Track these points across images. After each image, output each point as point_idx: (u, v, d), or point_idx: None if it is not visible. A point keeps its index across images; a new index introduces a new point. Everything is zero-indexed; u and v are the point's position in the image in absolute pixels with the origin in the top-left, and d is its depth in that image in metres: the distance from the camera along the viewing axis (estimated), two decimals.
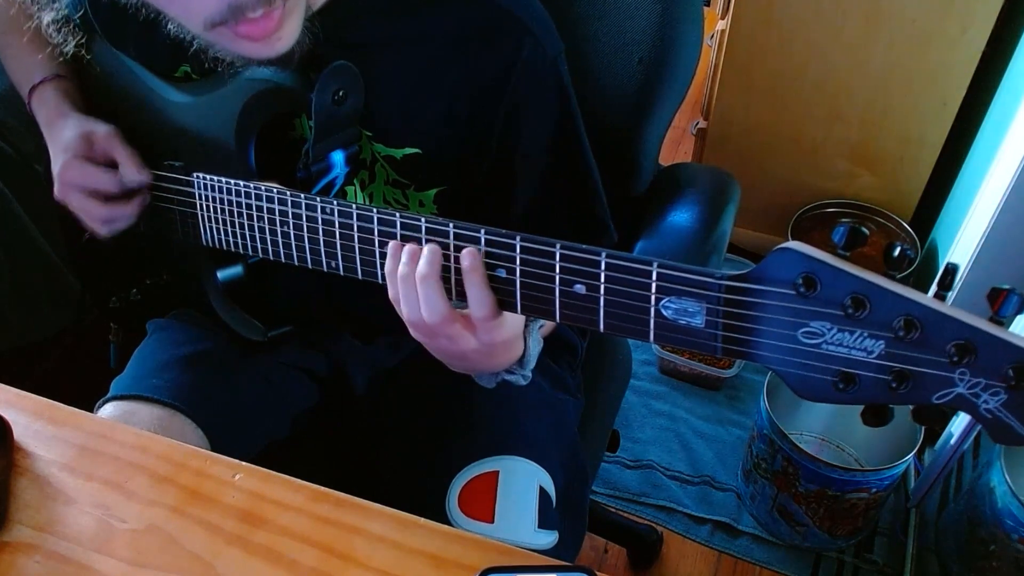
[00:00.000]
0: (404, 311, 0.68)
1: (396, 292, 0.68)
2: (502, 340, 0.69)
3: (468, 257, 0.63)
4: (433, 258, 0.65)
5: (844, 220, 2.03)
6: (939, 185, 1.95)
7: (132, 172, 0.88)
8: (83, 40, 0.88)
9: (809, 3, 1.77)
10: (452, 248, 0.65)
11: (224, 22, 0.68)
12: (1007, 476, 1.33)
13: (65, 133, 0.90)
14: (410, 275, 0.66)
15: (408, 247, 0.66)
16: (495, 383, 0.78)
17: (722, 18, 2.05)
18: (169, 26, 0.74)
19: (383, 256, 0.70)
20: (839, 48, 1.81)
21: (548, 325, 0.81)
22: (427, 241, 0.66)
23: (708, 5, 2.63)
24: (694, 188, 1.07)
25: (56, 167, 0.89)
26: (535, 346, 0.76)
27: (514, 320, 0.69)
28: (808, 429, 1.70)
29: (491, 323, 0.66)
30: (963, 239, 1.64)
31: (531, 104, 0.82)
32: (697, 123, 2.22)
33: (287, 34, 0.72)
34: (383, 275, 0.71)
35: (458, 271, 0.65)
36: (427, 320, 0.67)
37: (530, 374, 0.77)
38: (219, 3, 0.66)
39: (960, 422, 1.44)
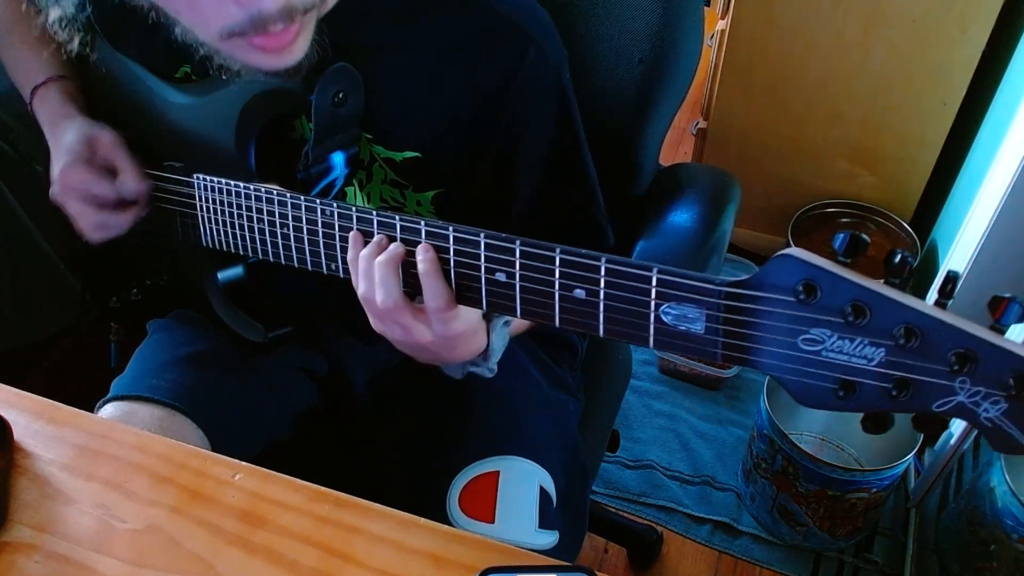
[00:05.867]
0: (360, 288, 0.70)
1: (356, 274, 0.70)
2: (458, 333, 0.70)
3: (423, 252, 0.65)
4: (395, 250, 0.67)
5: (844, 220, 2.03)
6: (939, 185, 1.95)
7: (131, 182, 0.88)
8: (88, 39, 0.88)
9: (809, 3, 1.77)
10: (452, 249, 0.65)
11: (242, 33, 0.67)
12: (1007, 476, 1.34)
13: (68, 136, 0.90)
14: (370, 256, 0.68)
15: (376, 238, 0.69)
16: (462, 374, 0.79)
17: (722, 18, 2.05)
18: (176, 31, 0.73)
19: None
20: (839, 48, 1.81)
21: (516, 323, 0.82)
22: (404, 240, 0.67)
23: (708, 5, 2.63)
24: (694, 188, 1.07)
25: (56, 169, 0.89)
26: (499, 340, 0.76)
27: (470, 314, 0.70)
28: (808, 429, 1.70)
29: (445, 314, 0.67)
30: (962, 241, 1.64)
31: (532, 112, 0.82)
32: (697, 123, 2.22)
33: (299, 48, 0.72)
34: None
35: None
36: (379, 303, 0.68)
37: (495, 367, 0.78)
38: (240, 15, 0.66)
39: (960, 422, 1.44)
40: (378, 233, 0.69)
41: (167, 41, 0.75)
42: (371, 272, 0.68)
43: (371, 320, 0.72)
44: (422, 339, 0.70)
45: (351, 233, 0.70)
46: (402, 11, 0.81)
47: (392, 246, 0.67)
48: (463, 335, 0.71)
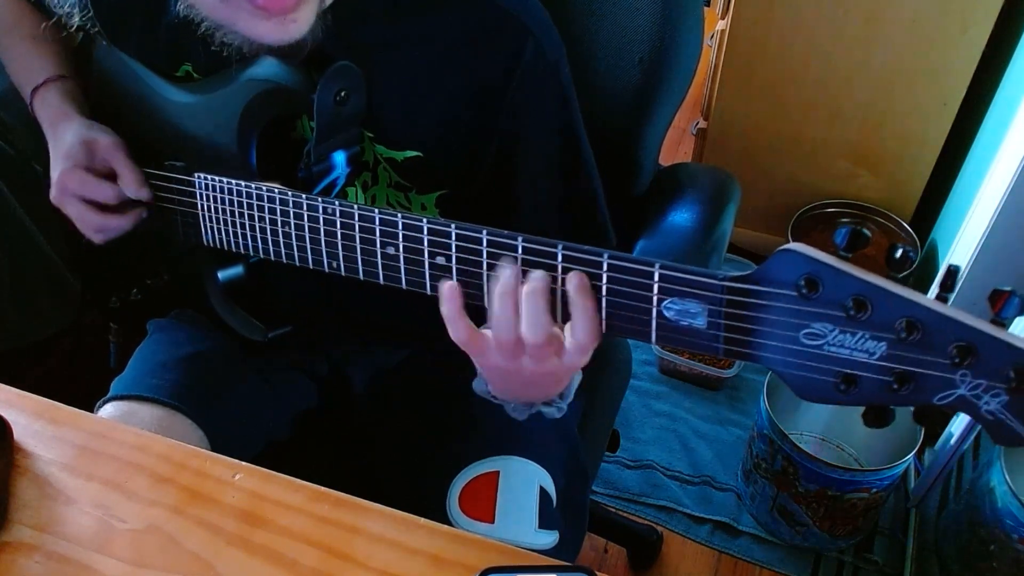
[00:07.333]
0: (498, 331, 0.63)
1: (509, 310, 0.62)
2: (582, 362, 0.65)
3: (575, 278, 0.59)
4: (544, 280, 0.61)
5: (844, 220, 2.03)
6: (939, 185, 1.95)
7: (132, 187, 0.88)
8: (88, 14, 0.87)
9: (809, 3, 1.77)
10: (454, 246, 0.65)
11: None
12: (1007, 476, 1.34)
13: (67, 137, 0.90)
14: (511, 292, 0.61)
15: (510, 270, 0.62)
16: (527, 415, 0.76)
17: (722, 18, 2.05)
18: (178, 7, 0.73)
19: (384, 256, 0.70)
20: (839, 48, 1.81)
21: None
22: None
23: (708, 5, 2.63)
24: (694, 188, 1.07)
25: (55, 173, 0.89)
26: (577, 377, 0.74)
27: None
28: (808, 429, 1.70)
29: (592, 346, 0.62)
30: (963, 239, 1.64)
31: (532, 107, 0.82)
32: (697, 123, 2.22)
33: (303, 18, 0.71)
34: (384, 276, 0.70)
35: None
36: (529, 339, 0.62)
37: (565, 407, 0.75)
38: None
39: (960, 422, 1.44)
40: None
41: (168, 38, 0.75)
42: (513, 306, 0.62)
43: (489, 356, 0.66)
44: (547, 370, 0.65)
45: (506, 266, 0.62)
46: (401, 8, 0.81)
47: (537, 274, 0.61)
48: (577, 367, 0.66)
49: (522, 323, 0.62)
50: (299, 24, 0.72)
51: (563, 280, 0.60)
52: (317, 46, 0.76)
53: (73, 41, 0.99)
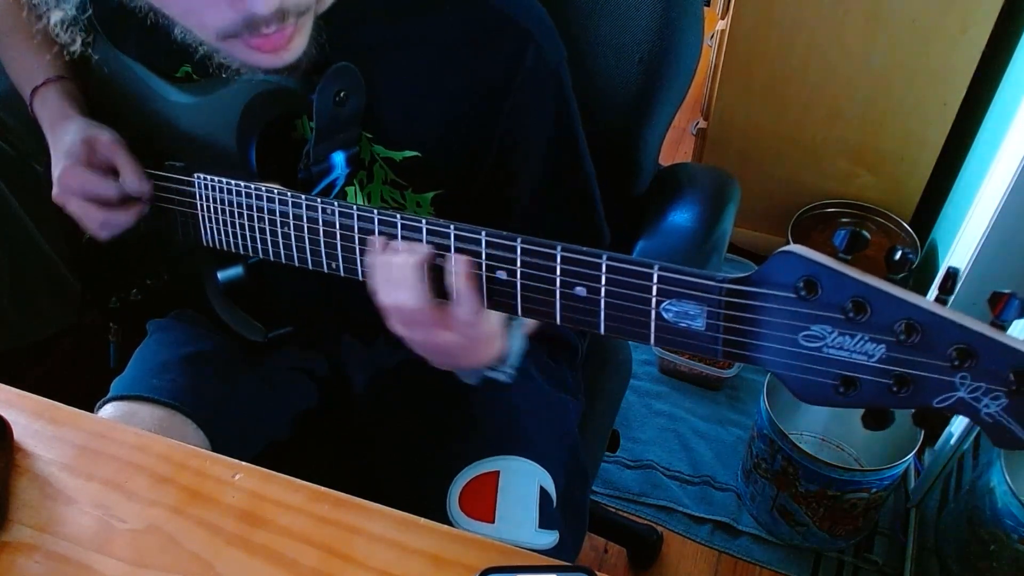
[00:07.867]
0: (385, 292, 0.69)
1: (380, 277, 0.69)
2: (482, 336, 0.69)
3: (461, 264, 0.64)
4: (424, 251, 0.66)
5: (844, 220, 2.03)
6: (939, 185, 1.95)
7: (133, 181, 0.88)
8: (90, 40, 0.88)
9: (809, 3, 1.77)
10: (452, 249, 0.65)
11: (237, 35, 0.68)
12: (1007, 476, 1.34)
13: (67, 136, 0.89)
14: (398, 259, 0.67)
15: (393, 242, 0.68)
16: (479, 379, 0.78)
17: (722, 18, 2.05)
18: (176, 32, 0.75)
19: None
20: (839, 48, 1.81)
21: (529, 323, 0.81)
22: (428, 243, 0.66)
23: (708, 5, 2.63)
24: (694, 188, 1.07)
25: (56, 171, 0.89)
26: (517, 343, 0.76)
27: (493, 317, 0.69)
28: (808, 429, 1.70)
29: (475, 319, 0.66)
30: (963, 240, 1.64)
31: (531, 111, 0.82)
32: (697, 123, 2.22)
33: (296, 47, 0.73)
34: None
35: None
36: (407, 307, 0.67)
37: (513, 371, 0.77)
38: (234, 18, 0.67)
39: (960, 422, 1.44)
40: (393, 233, 0.69)
41: (167, 40, 0.75)
42: (399, 276, 0.66)
43: (393, 324, 0.71)
44: (446, 342, 0.69)
45: (373, 237, 0.69)
46: (401, 9, 0.81)
47: (418, 247, 0.66)
48: (486, 339, 0.70)
49: (392, 289, 0.67)
50: (292, 52, 0.73)
51: (562, 277, 0.61)
52: (319, 55, 0.76)
53: None
